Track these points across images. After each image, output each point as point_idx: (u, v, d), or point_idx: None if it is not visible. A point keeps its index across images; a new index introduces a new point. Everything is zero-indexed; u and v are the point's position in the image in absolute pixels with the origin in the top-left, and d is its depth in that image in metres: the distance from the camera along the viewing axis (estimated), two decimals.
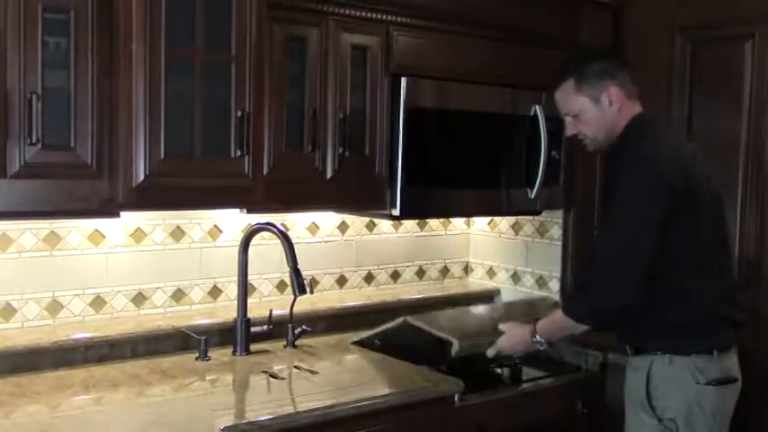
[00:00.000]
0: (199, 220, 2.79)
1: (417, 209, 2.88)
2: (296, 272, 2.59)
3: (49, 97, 2.05)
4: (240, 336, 2.70)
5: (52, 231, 2.50)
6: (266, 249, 2.87)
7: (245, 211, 2.58)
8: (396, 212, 2.78)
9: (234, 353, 2.69)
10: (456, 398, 2.54)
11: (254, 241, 2.75)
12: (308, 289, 2.64)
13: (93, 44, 2.11)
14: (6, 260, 2.43)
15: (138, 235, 2.68)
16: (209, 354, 2.63)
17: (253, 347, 2.72)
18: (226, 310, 2.80)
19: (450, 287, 3.50)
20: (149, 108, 2.18)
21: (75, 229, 2.54)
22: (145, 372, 2.47)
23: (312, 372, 2.57)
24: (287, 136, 2.52)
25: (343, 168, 2.64)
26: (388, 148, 2.74)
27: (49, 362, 2.42)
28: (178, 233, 2.76)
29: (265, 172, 2.46)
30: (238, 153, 2.35)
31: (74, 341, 2.48)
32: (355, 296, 3.19)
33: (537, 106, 3.01)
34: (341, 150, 2.62)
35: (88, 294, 2.59)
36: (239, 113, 2.33)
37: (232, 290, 2.82)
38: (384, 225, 3.28)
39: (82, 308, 2.58)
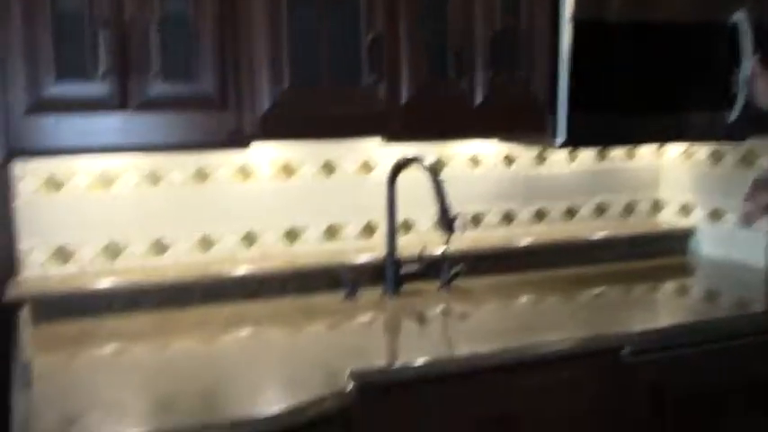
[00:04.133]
0: (349, 154, 2.66)
1: (586, 136, 2.52)
2: (443, 210, 2.39)
3: (168, 27, 2.00)
4: (390, 275, 2.56)
5: (199, 168, 2.48)
6: (424, 183, 2.68)
7: (385, 140, 2.40)
8: (560, 140, 2.46)
9: (384, 293, 2.57)
10: (626, 352, 2.22)
11: (410, 175, 2.57)
12: (456, 228, 2.42)
13: None
14: (156, 197, 2.45)
15: (288, 169, 2.60)
16: (358, 293, 2.52)
17: (407, 288, 2.57)
18: (379, 248, 2.66)
19: (637, 226, 3.09)
20: (272, 33, 2.07)
21: (223, 166, 2.51)
22: (291, 309, 2.41)
23: (464, 315, 2.38)
24: (428, 58, 2.28)
25: (495, 92, 2.36)
26: (549, 67, 2.41)
27: (196, 297, 2.43)
28: (329, 167, 2.65)
29: (404, 99, 2.26)
30: (371, 79, 2.17)
31: (224, 277, 2.47)
32: (524, 234, 2.91)
33: (740, 12, 2.51)
34: (491, 73, 2.34)
35: (239, 231, 2.57)
36: (371, 36, 2.14)
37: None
38: (556, 156, 2.95)
39: (233, 243, 2.56)
